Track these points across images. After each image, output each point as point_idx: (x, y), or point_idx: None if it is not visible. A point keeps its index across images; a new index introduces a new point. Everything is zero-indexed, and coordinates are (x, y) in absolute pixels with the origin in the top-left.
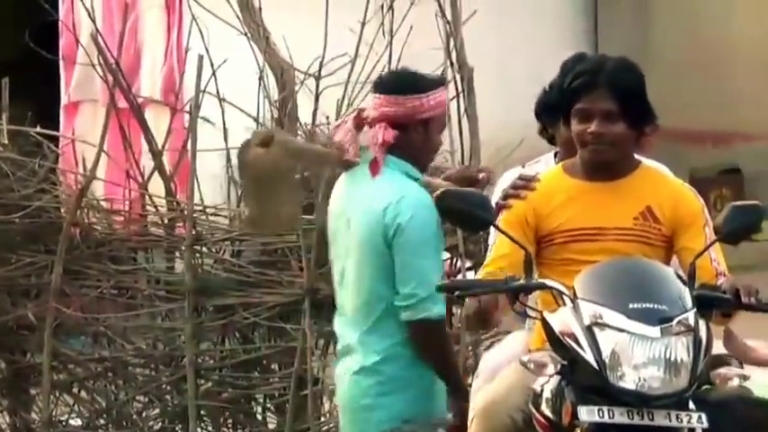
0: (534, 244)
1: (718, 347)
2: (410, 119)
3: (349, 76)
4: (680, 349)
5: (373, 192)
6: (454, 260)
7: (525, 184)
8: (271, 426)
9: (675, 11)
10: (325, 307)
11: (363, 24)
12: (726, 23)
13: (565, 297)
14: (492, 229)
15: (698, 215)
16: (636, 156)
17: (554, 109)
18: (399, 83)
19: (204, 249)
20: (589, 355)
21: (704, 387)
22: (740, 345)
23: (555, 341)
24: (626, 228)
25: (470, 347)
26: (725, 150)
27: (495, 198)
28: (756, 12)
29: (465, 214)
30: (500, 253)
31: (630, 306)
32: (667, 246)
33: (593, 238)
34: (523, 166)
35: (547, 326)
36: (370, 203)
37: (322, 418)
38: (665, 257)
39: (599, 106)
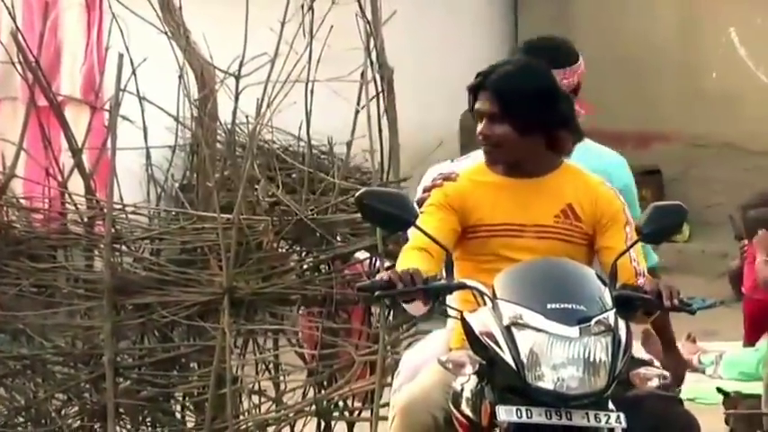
0: (459, 229)
1: (638, 349)
2: None
3: (269, 76)
4: (599, 349)
5: None
6: (373, 260)
7: (443, 181)
8: (189, 424)
9: (596, 13)
10: (243, 305)
11: (283, 24)
12: (646, 24)
13: (485, 297)
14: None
15: (618, 214)
16: (560, 155)
17: None
18: None
19: (123, 248)
20: (507, 355)
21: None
22: (658, 346)
23: (474, 341)
24: (546, 225)
25: (389, 347)
26: (645, 151)
27: (417, 195)
28: (676, 12)
29: (386, 215)
30: (419, 244)
31: (549, 306)
32: (589, 244)
33: (513, 234)
34: (452, 161)
35: (466, 325)
36: None
37: (241, 417)
38: (586, 256)
39: (483, 108)
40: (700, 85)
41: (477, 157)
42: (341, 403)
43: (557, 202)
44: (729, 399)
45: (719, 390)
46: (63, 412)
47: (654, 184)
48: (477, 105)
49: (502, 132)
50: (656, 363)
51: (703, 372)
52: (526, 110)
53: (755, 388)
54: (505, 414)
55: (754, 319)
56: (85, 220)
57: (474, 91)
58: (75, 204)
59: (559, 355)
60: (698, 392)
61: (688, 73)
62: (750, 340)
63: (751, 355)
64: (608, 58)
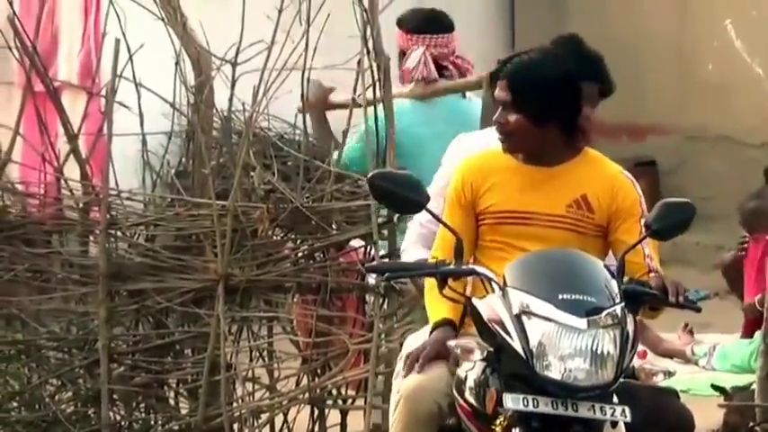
0: (474, 219)
1: None
2: None
3: (265, 63)
4: (607, 342)
5: None
6: (368, 248)
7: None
8: (183, 410)
9: (591, 3)
10: (238, 293)
11: (280, 11)
12: (642, 15)
13: (494, 284)
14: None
15: (634, 207)
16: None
17: None
18: None
19: (119, 234)
20: (516, 344)
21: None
22: (653, 336)
23: (482, 328)
24: (558, 215)
25: (383, 336)
26: (640, 143)
27: (441, 178)
28: (672, 3)
29: (397, 196)
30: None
31: (560, 296)
32: (601, 236)
33: (523, 222)
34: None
35: (475, 312)
36: None
37: (234, 404)
38: (599, 248)
39: (499, 96)
40: (695, 77)
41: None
42: (334, 391)
43: (571, 191)
44: (726, 395)
45: (715, 386)
46: (57, 398)
47: (649, 175)
48: (496, 92)
49: (515, 121)
50: (650, 355)
51: (696, 363)
52: (538, 100)
53: (748, 380)
54: (512, 402)
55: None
56: (81, 205)
57: (494, 78)
58: (70, 190)
59: (568, 346)
60: (692, 384)
61: (684, 64)
62: (748, 335)
63: (744, 347)
64: (603, 49)
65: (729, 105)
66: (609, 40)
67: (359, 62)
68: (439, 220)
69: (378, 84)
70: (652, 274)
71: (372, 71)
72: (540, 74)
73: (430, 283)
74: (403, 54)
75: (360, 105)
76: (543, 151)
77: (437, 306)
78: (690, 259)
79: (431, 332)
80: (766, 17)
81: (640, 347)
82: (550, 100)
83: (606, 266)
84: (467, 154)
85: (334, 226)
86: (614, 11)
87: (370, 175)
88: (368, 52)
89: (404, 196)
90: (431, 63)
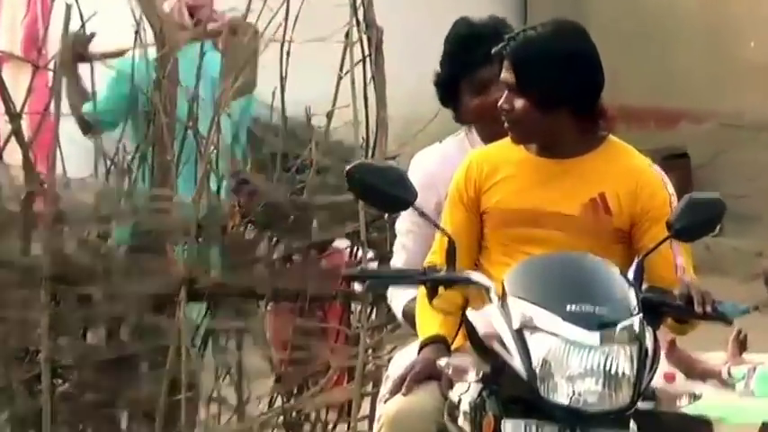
0: (478, 220)
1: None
2: None
3: None
4: (622, 360)
5: None
6: (355, 249)
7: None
8: None
9: None
10: (203, 300)
11: None
12: None
13: (492, 293)
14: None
15: (663, 208)
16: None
17: None
18: None
19: (66, 230)
20: (517, 362)
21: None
22: (685, 357)
23: (479, 344)
24: (570, 215)
25: (370, 351)
26: (670, 132)
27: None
28: None
29: (381, 193)
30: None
31: (567, 307)
32: (620, 241)
33: (531, 223)
34: (440, 142)
35: (470, 326)
36: None
37: (197, 429)
38: (617, 255)
39: (503, 77)
40: (734, 56)
41: (470, 137)
42: (313, 415)
43: (588, 188)
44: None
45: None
46: None
47: (680, 169)
48: (501, 74)
49: (521, 107)
50: (681, 377)
51: (733, 387)
52: (544, 82)
53: None
54: (513, 429)
55: None
56: (22, 196)
57: (499, 57)
58: (10, 177)
59: (577, 365)
60: (727, 410)
61: (720, 42)
62: None
63: None
64: (626, 26)
65: None
66: (633, 14)
67: (346, 34)
68: (429, 219)
69: (368, 59)
70: (682, 273)
71: (362, 45)
72: (547, 52)
73: (420, 294)
74: None
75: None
76: (555, 141)
77: (427, 320)
78: (726, 267)
79: (419, 349)
80: None
81: (669, 369)
82: (559, 82)
83: (622, 273)
84: (422, 173)
85: (315, 223)
86: None
87: (348, 168)
88: (357, 23)
89: (387, 192)
90: (185, 12)
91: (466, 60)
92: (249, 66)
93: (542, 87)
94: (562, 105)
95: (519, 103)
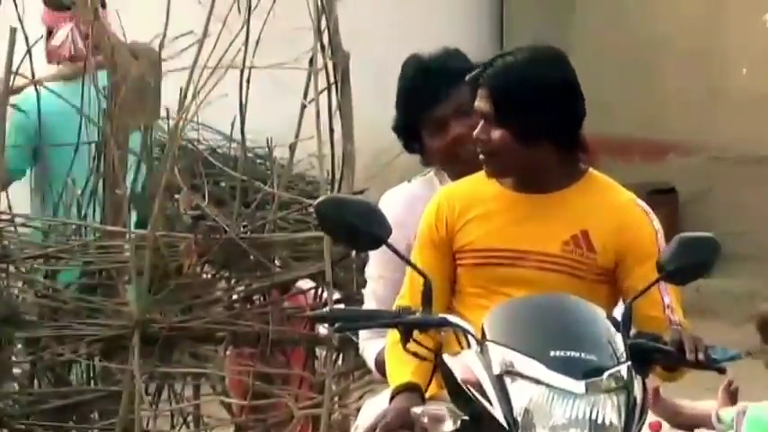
0: (451, 261)
1: None
2: None
3: (195, 60)
4: (609, 410)
5: None
6: (319, 290)
7: None
8: None
9: None
10: (158, 343)
11: None
12: (657, 10)
13: (470, 337)
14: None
15: (649, 247)
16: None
17: None
18: None
19: (11, 268)
20: (498, 411)
21: None
22: (669, 405)
23: (456, 391)
24: (552, 254)
25: (336, 399)
26: (657, 165)
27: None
28: None
29: (352, 228)
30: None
31: (551, 353)
32: (604, 280)
33: (509, 263)
34: (409, 182)
35: (447, 371)
36: None
37: None
38: (601, 296)
39: (478, 106)
40: (725, 85)
41: (439, 175)
42: None
43: (569, 225)
44: None
45: None
46: None
47: (667, 205)
48: (476, 102)
49: (499, 138)
50: (667, 427)
51: None
52: (525, 112)
53: None
54: None
55: None
56: None
57: (473, 84)
58: None
59: (561, 415)
60: None
61: (711, 70)
62: None
63: None
64: (610, 52)
65: (766, 120)
66: (620, 40)
67: (311, 60)
68: (402, 257)
69: (334, 87)
70: (670, 313)
71: (327, 72)
72: (527, 80)
73: (392, 338)
74: (50, 33)
75: None
76: (534, 175)
77: (399, 366)
78: (717, 310)
79: (391, 398)
80: None
81: (653, 418)
82: (540, 112)
83: (609, 316)
84: (390, 216)
85: (277, 262)
86: (627, 3)
87: (317, 202)
88: (322, 48)
89: (358, 228)
90: (79, 40)
91: (418, 101)
92: (151, 94)
93: (523, 118)
94: (543, 137)
95: (497, 134)
